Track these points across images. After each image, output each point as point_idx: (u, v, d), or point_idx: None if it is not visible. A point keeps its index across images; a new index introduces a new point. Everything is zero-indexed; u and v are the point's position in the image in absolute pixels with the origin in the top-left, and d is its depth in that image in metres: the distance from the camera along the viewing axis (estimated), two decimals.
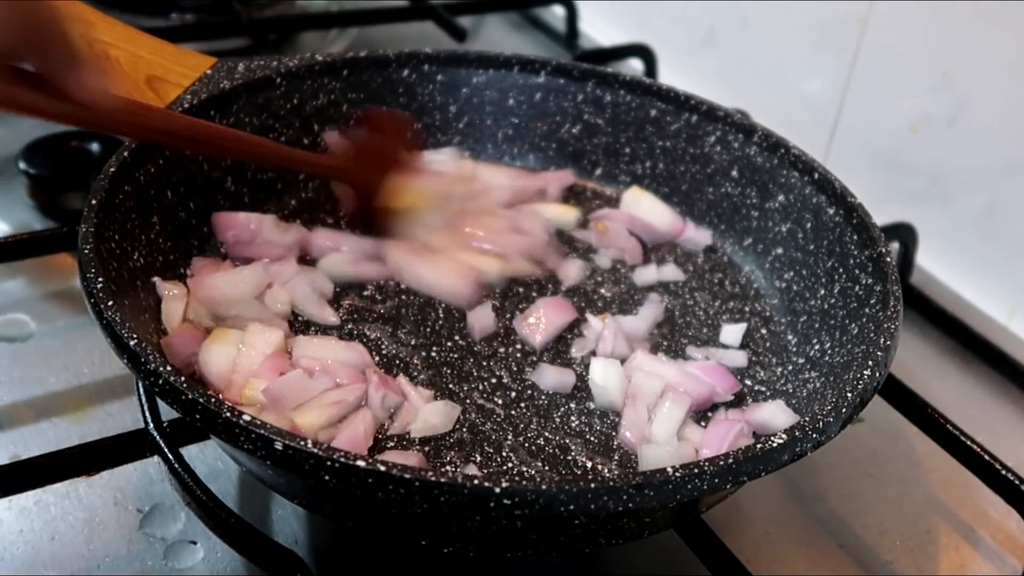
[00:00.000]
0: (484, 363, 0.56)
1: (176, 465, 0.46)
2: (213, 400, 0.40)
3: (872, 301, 0.53)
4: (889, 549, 0.55)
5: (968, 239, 0.77)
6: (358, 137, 0.59)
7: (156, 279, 0.53)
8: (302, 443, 0.38)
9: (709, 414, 0.54)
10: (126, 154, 0.54)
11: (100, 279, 0.46)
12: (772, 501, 0.57)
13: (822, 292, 0.58)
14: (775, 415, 0.51)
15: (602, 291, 0.62)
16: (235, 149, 0.56)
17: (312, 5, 1.04)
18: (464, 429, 0.51)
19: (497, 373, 0.55)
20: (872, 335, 0.50)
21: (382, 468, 0.37)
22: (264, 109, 0.64)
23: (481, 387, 0.54)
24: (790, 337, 0.59)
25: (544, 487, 0.37)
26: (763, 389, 0.56)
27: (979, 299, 0.77)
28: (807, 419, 0.43)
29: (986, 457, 0.54)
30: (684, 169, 0.68)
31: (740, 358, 0.58)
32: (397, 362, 0.55)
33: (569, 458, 0.50)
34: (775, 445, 0.41)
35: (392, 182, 0.58)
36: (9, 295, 0.65)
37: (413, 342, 0.56)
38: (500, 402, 0.53)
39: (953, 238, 0.78)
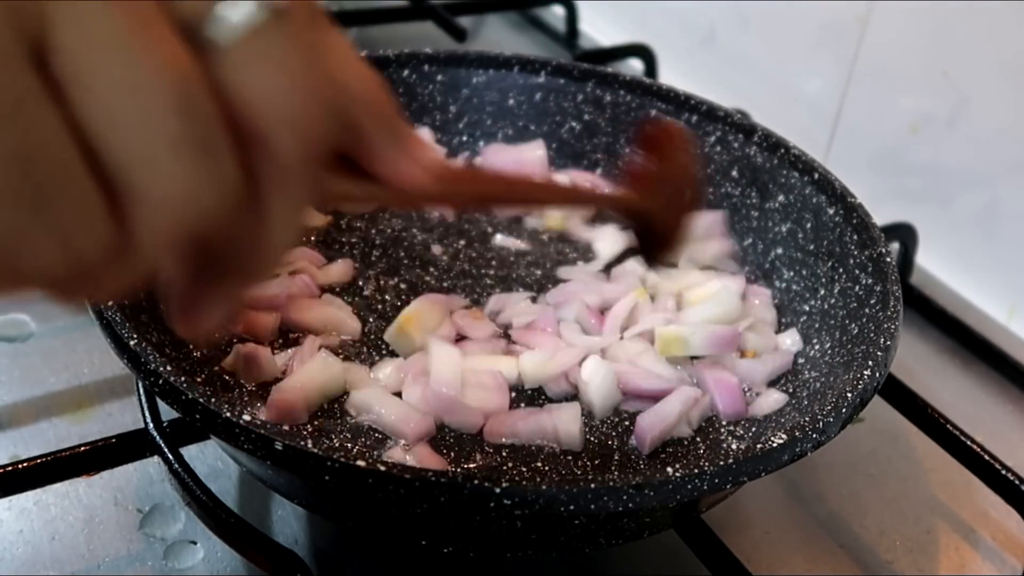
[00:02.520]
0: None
1: (176, 465, 0.46)
2: (213, 400, 0.40)
3: (872, 301, 0.53)
4: (889, 549, 0.55)
5: (968, 239, 0.77)
6: (639, 162, 0.50)
7: None
8: (302, 443, 0.38)
9: None
10: None
11: None
12: (772, 501, 0.57)
13: (822, 292, 0.58)
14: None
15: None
16: (538, 200, 0.48)
17: None
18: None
19: None
20: (872, 335, 0.50)
21: (382, 468, 0.37)
22: None
23: None
24: None
25: (544, 487, 0.37)
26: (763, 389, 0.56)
27: (979, 299, 0.77)
28: (807, 419, 0.43)
29: (986, 457, 0.54)
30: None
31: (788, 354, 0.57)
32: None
33: (569, 458, 0.50)
34: (775, 445, 0.41)
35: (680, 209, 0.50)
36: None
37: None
38: None
39: (953, 238, 0.78)
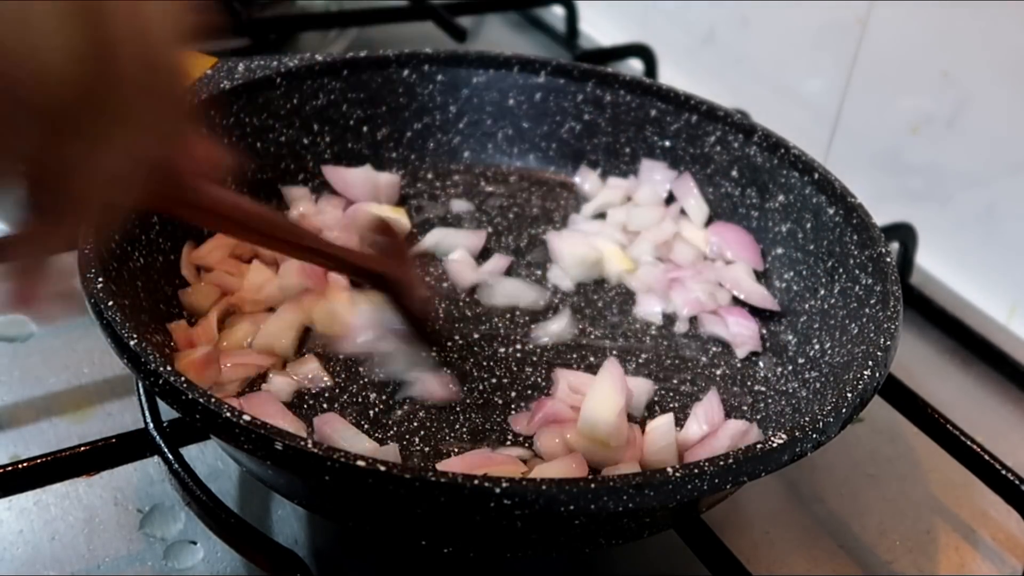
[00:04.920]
0: (485, 363, 0.56)
1: (176, 465, 0.46)
2: (213, 400, 0.40)
3: (872, 301, 0.53)
4: (889, 549, 0.55)
5: (968, 239, 0.77)
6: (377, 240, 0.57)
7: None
8: (302, 443, 0.38)
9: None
10: None
11: (100, 279, 0.46)
12: (772, 501, 0.57)
13: (822, 292, 0.58)
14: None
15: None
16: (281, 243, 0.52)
17: (312, 5, 1.04)
18: (464, 429, 0.51)
19: (497, 373, 0.55)
20: (872, 335, 0.50)
21: (382, 468, 0.37)
22: (264, 109, 0.64)
23: (481, 386, 0.54)
24: (790, 337, 0.59)
25: (544, 487, 0.37)
26: (763, 389, 0.56)
27: (979, 299, 0.77)
28: (807, 419, 0.43)
29: (986, 457, 0.54)
30: (684, 169, 0.68)
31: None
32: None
33: None
34: (775, 445, 0.41)
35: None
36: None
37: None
38: (500, 402, 0.53)
39: (953, 238, 0.78)
